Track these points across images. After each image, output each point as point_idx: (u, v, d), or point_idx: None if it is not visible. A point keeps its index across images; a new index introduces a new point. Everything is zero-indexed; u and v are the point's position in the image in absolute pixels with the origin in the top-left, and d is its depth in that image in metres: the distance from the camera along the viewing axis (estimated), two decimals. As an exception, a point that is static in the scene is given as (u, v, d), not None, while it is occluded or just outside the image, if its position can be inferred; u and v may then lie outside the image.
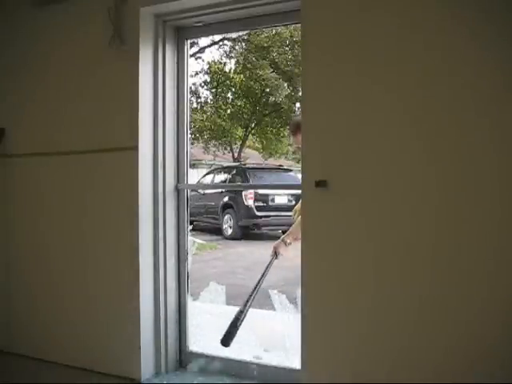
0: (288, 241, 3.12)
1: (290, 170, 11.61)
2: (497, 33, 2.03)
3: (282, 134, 17.83)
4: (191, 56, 16.38)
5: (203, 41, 17.62)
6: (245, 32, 14.55)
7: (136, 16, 2.80)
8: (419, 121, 2.17)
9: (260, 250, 8.47)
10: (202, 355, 2.97)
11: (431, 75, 2.14)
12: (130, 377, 2.83)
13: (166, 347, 2.95)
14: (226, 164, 16.16)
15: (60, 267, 3.10)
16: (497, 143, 2.03)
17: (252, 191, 10.31)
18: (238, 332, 3.01)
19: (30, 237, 3.22)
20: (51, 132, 3.12)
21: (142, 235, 2.84)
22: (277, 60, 16.34)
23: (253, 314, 3.77)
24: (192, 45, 14.38)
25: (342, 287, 2.33)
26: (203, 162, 18.56)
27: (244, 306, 3.03)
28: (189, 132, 3.09)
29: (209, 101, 18.87)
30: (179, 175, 3.02)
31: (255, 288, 3.09)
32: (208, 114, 18.15)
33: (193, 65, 18.13)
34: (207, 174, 13.19)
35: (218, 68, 18.35)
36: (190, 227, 3.12)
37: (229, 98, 18.73)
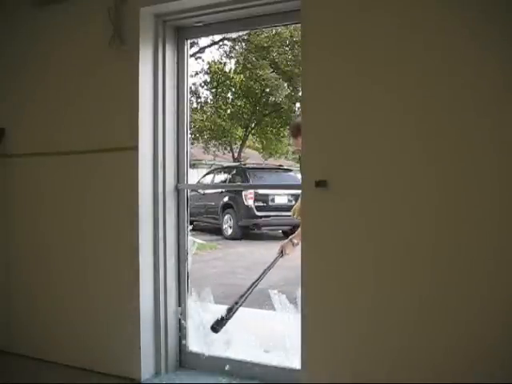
0: (295, 241, 3.19)
1: (290, 170, 11.63)
2: (497, 33, 2.03)
3: (281, 134, 17.84)
4: (191, 56, 16.36)
5: (203, 41, 17.67)
6: (245, 32, 14.52)
7: (136, 16, 2.81)
8: (419, 121, 2.17)
9: (260, 250, 8.47)
10: (202, 355, 2.97)
11: (431, 75, 2.14)
12: (129, 377, 2.83)
13: (166, 347, 2.95)
14: (225, 164, 16.18)
15: (60, 267, 3.10)
16: (497, 143, 2.03)
17: (252, 191, 10.32)
18: (238, 332, 3.01)
19: (30, 237, 3.22)
20: (51, 132, 3.12)
21: (142, 235, 2.85)
22: (277, 60, 16.34)
23: (253, 314, 3.77)
24: (192, 45, 14.38)
25: (342, 287, 2.33)
26: (203, 161, 18.57)
27: (240, 298, 3.11)
28: (189, 132, 3.09)
29: (209, 101, 18.90)
30: (179, 175, 3.02)
31: (255, 282, 3.14)
32: (208, 114, 18.16)
33: (193, 65, 18.19)
34: (207, 174, 13.20)
35: (217, 68, 18.35)
36: (190, 227, 3.14)
37: (229, 98, 18.74)
